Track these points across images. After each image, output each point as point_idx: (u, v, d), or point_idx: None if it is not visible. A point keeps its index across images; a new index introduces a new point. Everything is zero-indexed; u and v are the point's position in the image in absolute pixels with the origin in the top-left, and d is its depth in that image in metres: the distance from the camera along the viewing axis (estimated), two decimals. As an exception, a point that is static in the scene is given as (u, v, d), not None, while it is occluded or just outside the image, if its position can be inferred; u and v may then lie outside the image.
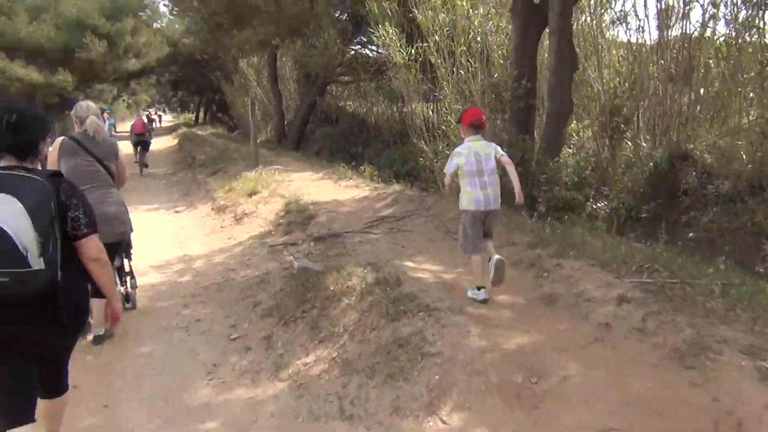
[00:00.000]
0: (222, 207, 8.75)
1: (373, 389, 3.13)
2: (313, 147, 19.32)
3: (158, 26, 35.38)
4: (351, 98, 23.21)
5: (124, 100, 52.34)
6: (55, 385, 2.54)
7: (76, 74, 25.04)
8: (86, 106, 4.22)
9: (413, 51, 10.23)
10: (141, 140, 14.98)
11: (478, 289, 4.00)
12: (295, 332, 4.02)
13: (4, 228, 2.07)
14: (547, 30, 8.16)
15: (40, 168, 2.41)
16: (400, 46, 10.29)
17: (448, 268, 4.87)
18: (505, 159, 4.00)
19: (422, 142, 10.37)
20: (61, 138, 4.04)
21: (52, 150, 3.89)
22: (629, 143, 8.37)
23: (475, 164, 3.92)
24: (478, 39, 9.70)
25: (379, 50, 12.38)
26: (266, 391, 3.43)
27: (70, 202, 2.30)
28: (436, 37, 9.65)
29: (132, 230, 4.43)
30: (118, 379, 3.69)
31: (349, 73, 14.09)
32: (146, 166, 15.07)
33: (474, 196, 3.93)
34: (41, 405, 2.44)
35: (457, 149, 4.06)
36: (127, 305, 4.74)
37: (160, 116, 49.18)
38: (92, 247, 2.36)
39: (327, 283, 4.40)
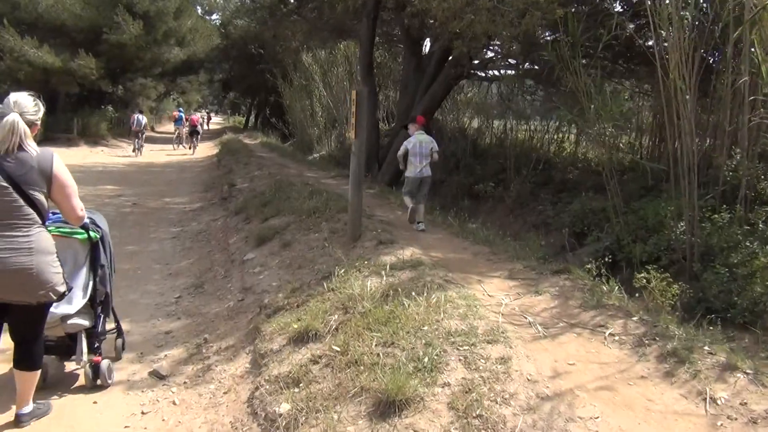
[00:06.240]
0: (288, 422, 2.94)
1: None
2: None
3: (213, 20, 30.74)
4: (455, 110, 16.65)
5: (174, 99, 48.03)
6: None
7: (102, 60, 20.09)
8: (12, 101, 2.77)
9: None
10: (194, 130, 22.17)
11: (418, 223, 6.47)
12: None
13: None
14: None
15: None
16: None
17: None
18: (435, 156, 6.39)
19: None
20: None
21: None
22: None
23: (419, 149, 6.28)
24: None
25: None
26: None
27: None
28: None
29: (115, 271, 3.56)
30: None
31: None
32: (196, 146, 22.05)
33: (414, 169, 6.32)
34: None
35: (409, 139, 6.38)
36: (96, 382, 3.35)
37: (209, 117, 46.30)
38: None
39: None
